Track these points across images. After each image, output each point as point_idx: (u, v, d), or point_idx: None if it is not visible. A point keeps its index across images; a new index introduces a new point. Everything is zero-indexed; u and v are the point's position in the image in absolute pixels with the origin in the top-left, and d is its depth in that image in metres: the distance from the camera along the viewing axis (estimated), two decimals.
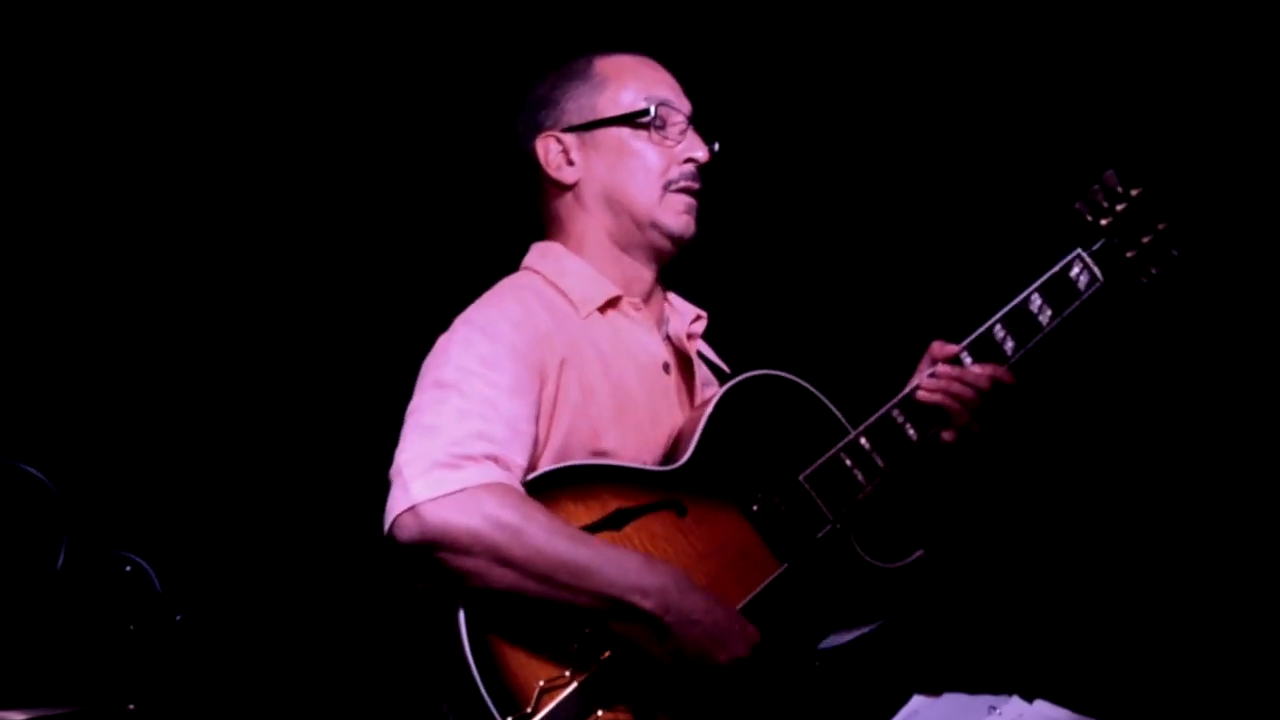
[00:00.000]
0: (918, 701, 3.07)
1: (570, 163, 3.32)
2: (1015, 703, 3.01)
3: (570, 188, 3.33)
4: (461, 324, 3.21)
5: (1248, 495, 4.45)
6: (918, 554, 3.32)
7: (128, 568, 3.90)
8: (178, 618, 3.89)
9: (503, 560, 3.01)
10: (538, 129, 3.34)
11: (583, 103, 3.33)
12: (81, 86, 4.42)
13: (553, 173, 3.33)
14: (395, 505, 3.05)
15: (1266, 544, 4.43)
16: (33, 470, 3.91)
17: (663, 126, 3.31)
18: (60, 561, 3.87)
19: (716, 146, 3.36)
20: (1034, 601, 4.56)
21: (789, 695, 3.16)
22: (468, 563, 3.01)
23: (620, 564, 3.05)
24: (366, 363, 4.49)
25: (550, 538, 3.03)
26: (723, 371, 3.43)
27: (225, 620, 4.41)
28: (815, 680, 3.19)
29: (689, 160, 3.32)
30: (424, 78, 4.53)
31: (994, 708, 3.02)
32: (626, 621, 3.05)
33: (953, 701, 3.05)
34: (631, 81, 3.33)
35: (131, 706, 3.74)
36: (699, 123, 3.37)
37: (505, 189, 3.46)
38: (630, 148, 3.31)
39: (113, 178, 4.46)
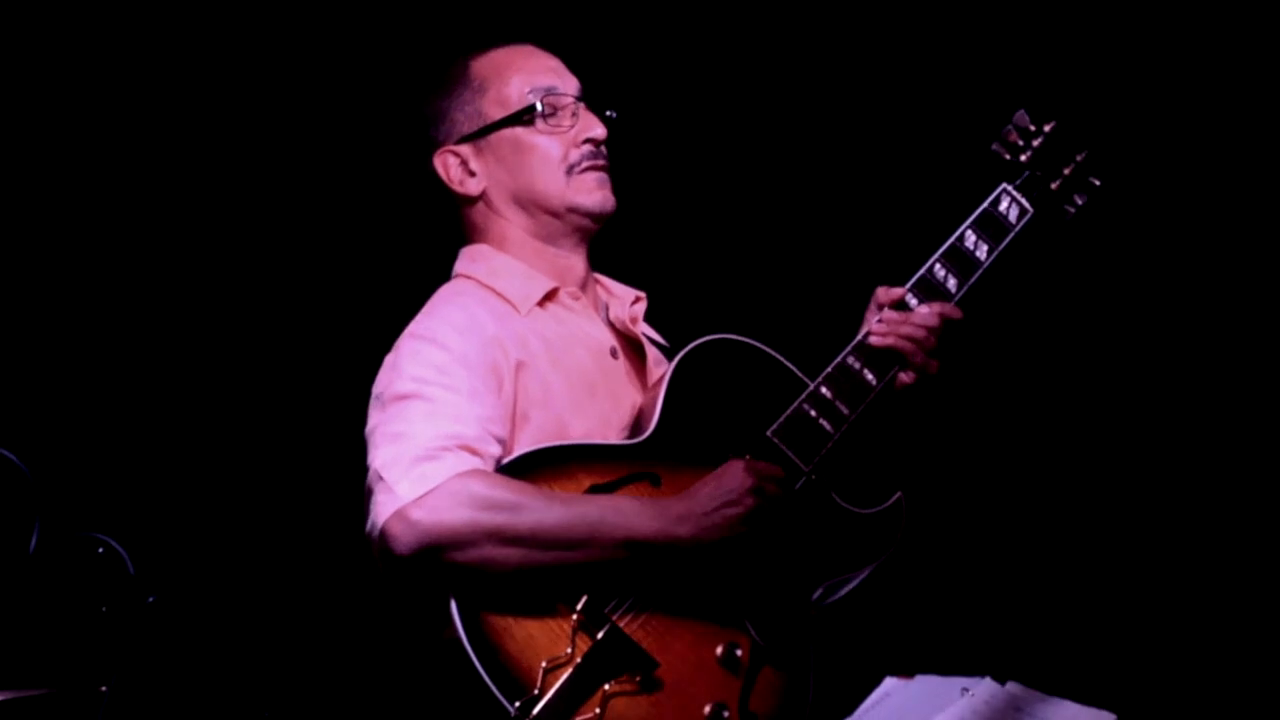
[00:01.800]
0: (890, 683, 3.07)
1: (471, 173, 3.29)
2: (988, 684, 3.02)
3: (479, 197, 3.31)
4: (407, 338, 3.19)
5: (1222, 458, 4.46)
6: (896, 496, 3.33)
7: (100, 549, 3.89)
8: (150, 599, 3.88)
9: (508, 539, 3.00)
10: (433, 145, 3.31)
11: (468, 110, 3.29)
12: (57, 74, 4.41)
13: (457, 188, 3.31)
14: (382, 510, 3.01)
15: (1242, 519, 4.45)
16: (5, 452, 3.90)
17: (553, 114, 3.28)
18: (33, 543, 3.87)
19: (612, 114, 3.33)
20: (1006, 583, 4.57)
21: (788, 647, 3.16)
22: (474, 553, 2.99)
23: (619, 506, 3.06)
24: (334, 344, 4.49)
25: (548, 504, 3.03)
26: (667, 349, 3.43)
27: (198, 602, 4.40)
28: (812, 630, 3.20)
29: (587, 141, 3.29)
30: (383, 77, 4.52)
31: (967, 689, 3.02)
32: (636, 561, 3.05)
33: (925, 683, 3.06)
34: (512, 76, 3.29)
35: (104, 688, 3.74)
36: (595, 88, 3.34)
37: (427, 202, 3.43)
38: (525, 144, 3.28)
39: (80, 162, 4.45)
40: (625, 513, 3.06)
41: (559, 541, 3.02)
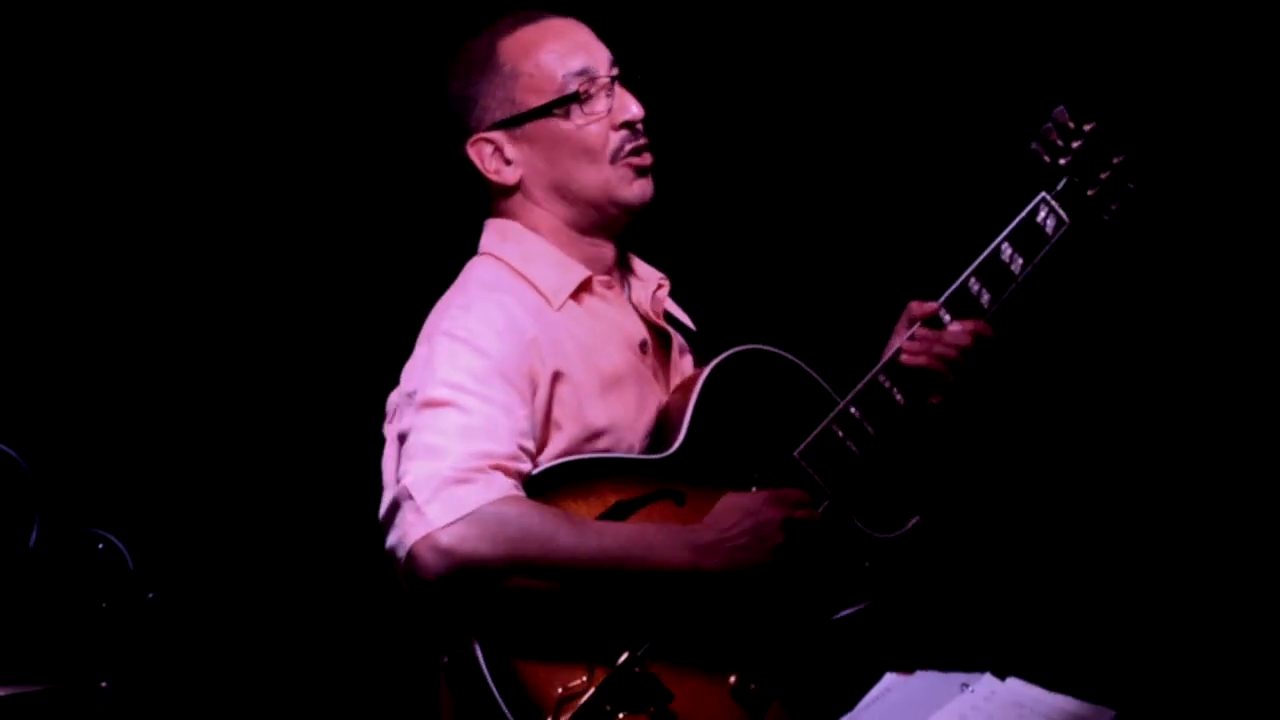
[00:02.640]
0: (890, 679, 3.07)
1: (507, 161, 3.22)
2: (988, 680, 3.02)
3: (516, 187, 3.24)
4: (444, 335, 3.12)
5: (1224, 455, 4.46)
6: (914, 521, 3.30)
7: (100, 545, 3.89)
8: (150, 595, 3.87)
9: (539, 571, 2.98)
10: (466, 133, 3.22)
11: (500, 96, 3.20)
12: (49, 68, 4.41)
13: (493, 177, 3.24)
14: (410, 532, 2.97)
15: (1243, 516, 4.44)
16: (4, 448, 3.90)
17: (589, 98, 3.20)
18: (32, 539, 3.86)
19: (640, 77, 3.25)
20: (1007, 579, 4.57)
21: (799, 679, 3.15)
22: (502, 583, 2.98)
23: (649, 539, 3.05)
24: (333, 339, 4.49)
25: (580, 536, 3.01)
26: (690, 330, 3.40)
27: (198, 598, 4.40)
28: (824, 662, 3.19)
29: (625, 124, 3.22)
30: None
31: (966, 685, 3.02)
32: (661, 590, 3.04)
33: (925, 679, 3.05)
34: (544, 59, 3.20)
35: (104, 684, 3.73)
36: (626, 54, 3.28)
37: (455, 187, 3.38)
38: (564, 134, 3.20)
39: (79, 157, 4.44)
40: (655, 544, 3.04)
41: (589, 573, 3.01)
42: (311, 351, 4.54)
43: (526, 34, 3.23)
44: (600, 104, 3.21)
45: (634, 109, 3.22)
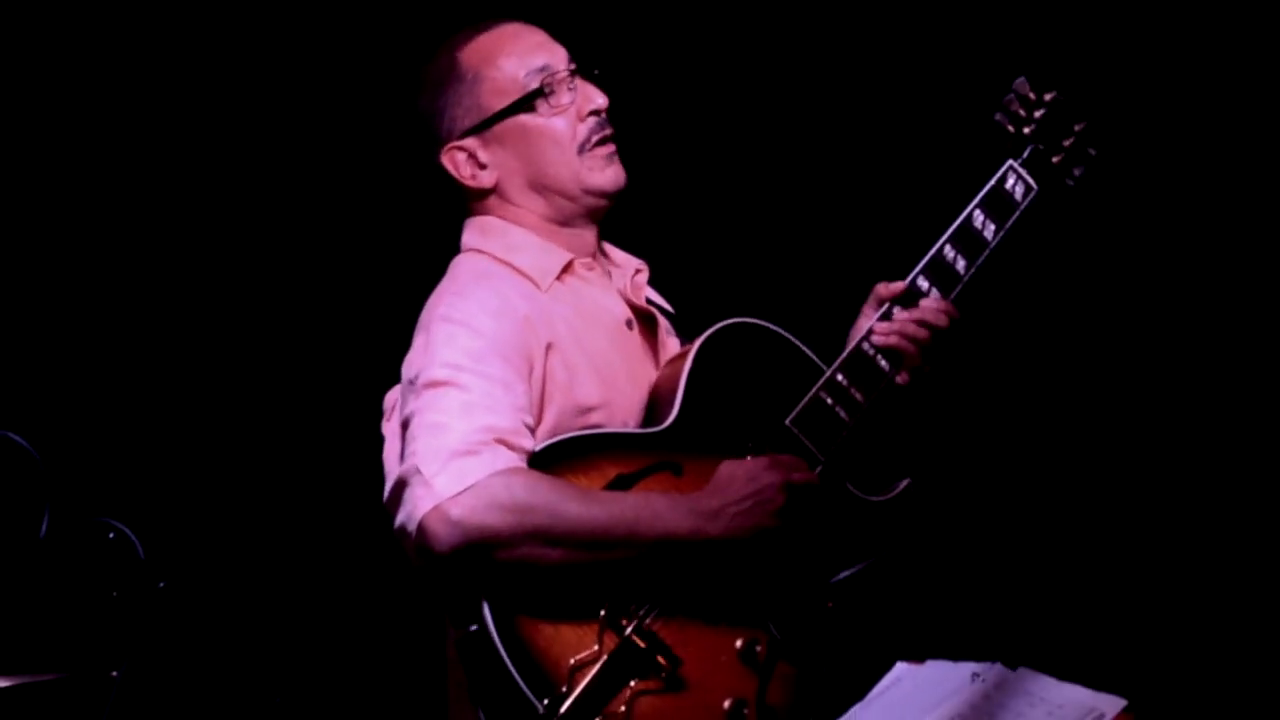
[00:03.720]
0: (901, 669, 3.07)
1: (482, 166, 3.27)
2: (998, 670, 3.02)
3: (493, 189, 3.29)
4: (440, 321, 3.16)
5: (1233, 445, 4.46)
6: (905, 483, 3.33)
7: (111, 535, 3.90)
8: (161, 585, 3.88)
9: (549, 540, 3.00)
10: (438, 144, 3.27)
11: (467, 104, 3.25)
12: (56, 68, 4.42)
13: (469, 183, 3.28)
14: (420, 504, 3.00)
15: (1253, 506, 4.44)
16: (15, 437, 3.90)
17: (552, 92, 3.25)
18: (43, 529, 3.87)
19: (597, 72, 3.31)
20: (1017, 568, 4.57)
21: (806, 635, 3.17)
22: (513, 553, 3.00)
23: (654, 506, 3.07)
24: (342, 331, 4.50)
25: (587, 504, 3.04)
26: (670, 314, 3.44)
27: (209, 587, 4.41)
28: (827, 621, 3.20)
29: (590, 114, 3.27)
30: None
31: (977, 674, 3.02)
32: (667, 557, 3.06)
33: (936, 669, 3.06)
34: (504, 62, 3.25)
35: (115, 674, 3.74)
36: (584, 51, 3.33)
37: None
38: (532, 130, 3.25)
39: (86, 151, 4.45)
40: (660, 511, 3.07)
41: (597, 542, 3.03)
42: (320, 341, 4.55)
43: (484, 41, 3.29)
44: (564, 97, 3.27)
45: (599, 99, 3.28)
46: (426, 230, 4.22)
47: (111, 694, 3.75)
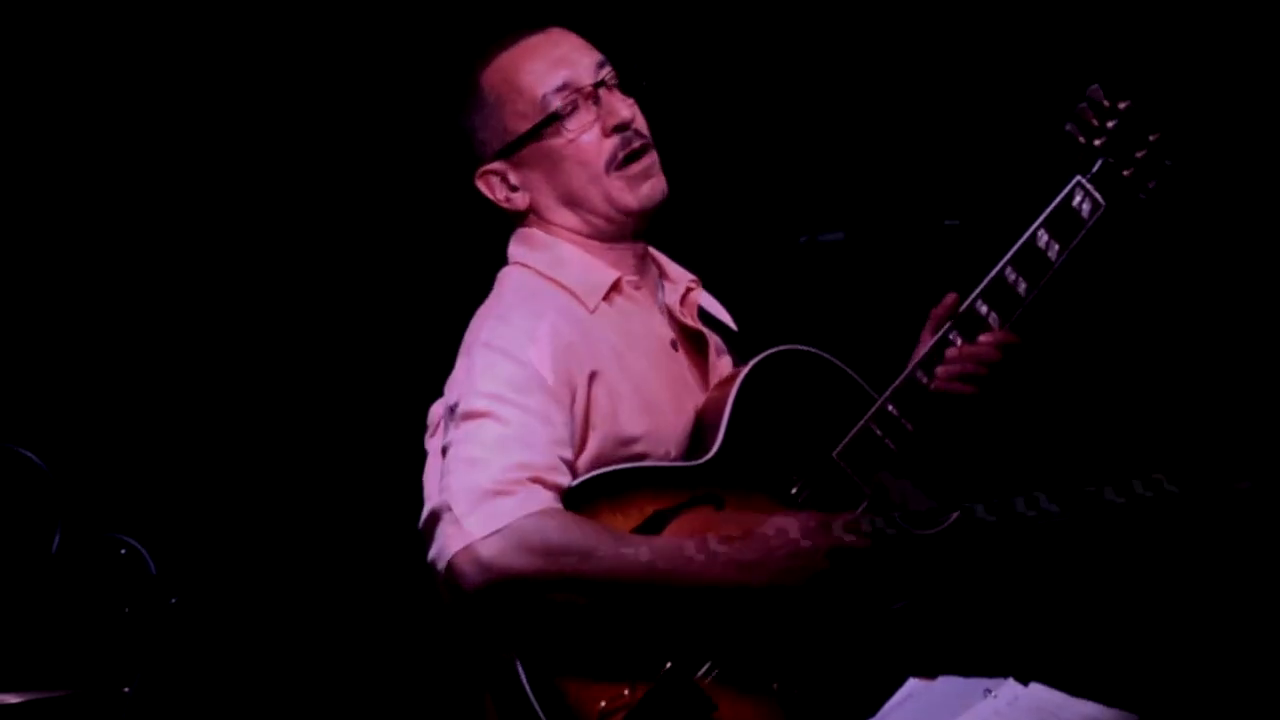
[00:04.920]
0: (913, 684, 3.06)
1: (514, 188, 3.24)
2: (1010, 685, 3.01)
3: (528, 210, 3.25)
4: (481, 348, 3.13)
5: (1251, 456, 4.43)
6: (954, 516, 3.28)
7: (123, 550, 3.90)
8: (173, 600, 3.88)
9: (578, 586, 2.99)
10: (472, 165, 3.25)
11: (492, 127, 3.22)
12: (66, 74, 4.42)
13: (505, 205, 3.25)
14: (450, 544, 2.98)
15: (1266, 521, 4.43)
16: (28, 453, 3.91)
17: (574, 111, 3.19)
18: (55, 544, 3.87)
19: (645, 83, 3.25)
20: (1030, 583, 4.56)
21: (843, 687, 3.15)
22: (546, 596, 2.98)
23: (688, 554, 3.03)
24: (358, 348, 4.49)
25: (620, 551, 3.00)
26: (731, 331, 3.38)
27: (220, 603, 4.40)
28: (867, 666, 3.18)
29: (615, 129, 3.20)
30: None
31: (989, 690, 3.01)
32: (705, 605, 3.04)
33: (948, 684, 3.05)
34: (524, 83, 3.20)
35: (126, 689, 3.74)
36: (623, 54, 3.27)
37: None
38: (557, 152, 3.20)
39: (95, 162, 4.45)
40: (696, 563, 3.03)
41: (629, 589, 3.01)
42: (337, 359, 4.54)
43: (504, 60, 3.24)
44: (587, 115, 3.21)
45: (623, 112, 3.21)
46: (457, 243, 4.24)
47: (123, 710, 3.75)
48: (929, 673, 3.08)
